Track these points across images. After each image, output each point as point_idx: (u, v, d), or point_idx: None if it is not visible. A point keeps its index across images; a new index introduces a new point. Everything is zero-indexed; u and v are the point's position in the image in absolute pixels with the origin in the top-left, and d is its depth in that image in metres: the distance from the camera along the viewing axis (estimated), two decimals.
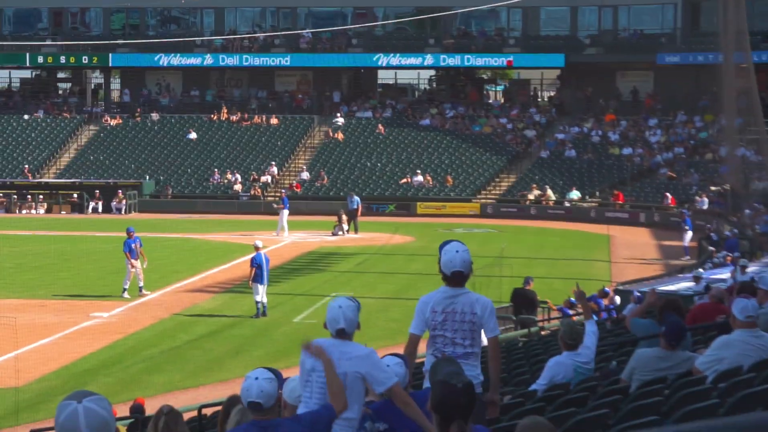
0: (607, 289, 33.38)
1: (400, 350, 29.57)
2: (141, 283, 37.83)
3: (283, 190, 66.78)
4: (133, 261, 37.50)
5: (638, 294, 27.41)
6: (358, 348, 8.61)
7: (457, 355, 9.61)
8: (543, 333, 25.27)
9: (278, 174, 74.52)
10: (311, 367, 8.56)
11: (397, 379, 8.52)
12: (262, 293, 33.89)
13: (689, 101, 72.57)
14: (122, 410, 20.45)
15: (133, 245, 37.61)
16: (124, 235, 38.36)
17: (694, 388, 9.99)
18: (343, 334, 8.58)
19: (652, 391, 10.22)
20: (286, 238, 55.30)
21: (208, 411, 17.88)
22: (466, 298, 9.76)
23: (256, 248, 34.65)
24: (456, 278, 9.77)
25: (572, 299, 29.59)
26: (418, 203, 69.71)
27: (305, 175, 73.87)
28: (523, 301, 27.32)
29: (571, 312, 29.60)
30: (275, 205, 61.00)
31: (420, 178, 71.84)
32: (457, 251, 9.76)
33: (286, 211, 57.06)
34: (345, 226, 57.78)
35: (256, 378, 7.84)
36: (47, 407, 22.88)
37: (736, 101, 53.40)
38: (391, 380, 8.48)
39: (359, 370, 8.47)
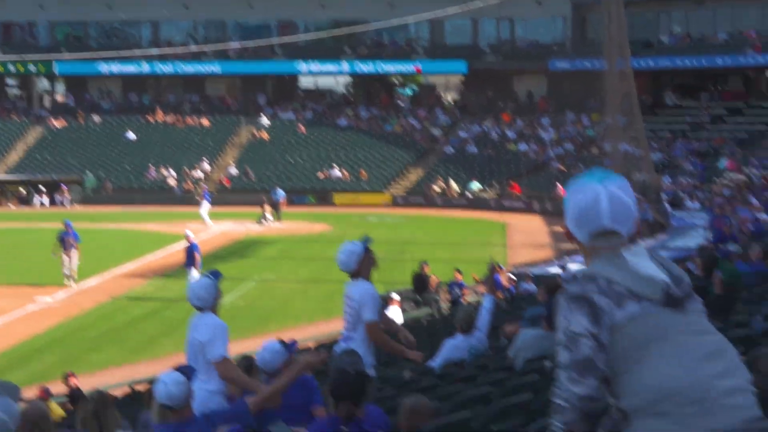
0: (501, 265, 33.26)
1: (317, 328, 28.97)
2: (67, 272, 36.60)
3: (204, 186, 66.63)
4: (63, 251, 36.71)
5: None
6: (211, 319, 8.56)
7: (343, 337, 9.52)
8: (443, 312, 25.31)
9: (209, 170, 73.96)
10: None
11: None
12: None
13: (578, 103, 73.10)
14: (63, 388, 20.11)
15: (66, 238, 36.75)
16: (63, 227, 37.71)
17: None
18: (200, 309, 8.63)
19: (534, 368, 10.19)
20: (211, 227, 54.57)
21: (141, 387, 17.70)
22: (351, 286, 9.65)
23: (187, 237, 34.30)
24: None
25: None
26: (335, 194, 69.60)
27: (233, 171, 73.37)
28: (420, 283, 27.29)
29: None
30: (197, 198, 60.81)
31: (337, 172, 71.68)
32: (338, 251, 9.88)
33: (206, 204, 56.56)
34: (269, 216, 57.52)
35: (165, 383, 7.06)
36: None
37: (620, 103, 53.75)
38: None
39: (199, 338, 8.37)
